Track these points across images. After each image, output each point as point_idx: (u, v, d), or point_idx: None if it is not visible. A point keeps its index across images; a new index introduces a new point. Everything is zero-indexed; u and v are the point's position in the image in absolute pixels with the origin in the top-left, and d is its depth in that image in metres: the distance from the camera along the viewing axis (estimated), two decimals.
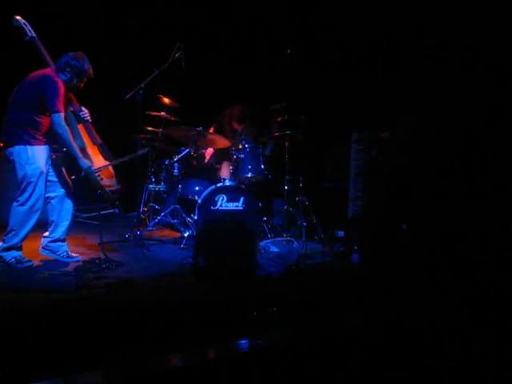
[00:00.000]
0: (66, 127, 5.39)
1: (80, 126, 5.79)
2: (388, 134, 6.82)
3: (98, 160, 5.84)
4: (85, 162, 5.56)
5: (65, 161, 5.79)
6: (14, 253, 5.36)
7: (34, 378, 3.14)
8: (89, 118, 5.90)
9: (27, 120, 5.33)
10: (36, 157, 5.35)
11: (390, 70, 7.44)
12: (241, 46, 8.66)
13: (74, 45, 5.64)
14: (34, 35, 5.61)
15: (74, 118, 5.75)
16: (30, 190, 5.33)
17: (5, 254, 5.35)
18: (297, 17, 8.24)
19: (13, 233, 5.37)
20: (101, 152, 5.90)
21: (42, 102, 5.32)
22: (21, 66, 5.60)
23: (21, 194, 5.36)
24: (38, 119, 5.37)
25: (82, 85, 5.63)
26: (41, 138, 5.41)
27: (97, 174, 5.69)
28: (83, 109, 5.88)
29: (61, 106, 5.33)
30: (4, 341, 3.49)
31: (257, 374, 3.52)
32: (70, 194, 5.67)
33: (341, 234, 6.49)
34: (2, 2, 6.82)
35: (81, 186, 6.06)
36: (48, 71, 5.49)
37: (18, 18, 5.61)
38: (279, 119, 7.15)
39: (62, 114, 5.36)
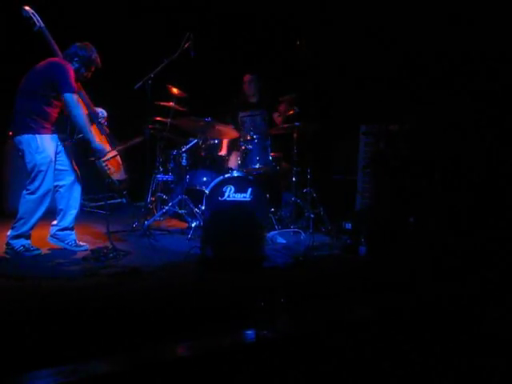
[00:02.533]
0: (81, 107, 5.42)
1: (86, 114, 5.79)
2: (396, 126, 6.80)
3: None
4: (99, 144, 5.59)
5: (74, 149, 5.80)
6: (23, 241, 5.39)
7: (42, 366, 3.16)
8: (105, 114, 5.94)
9: (36, 109, 5.34)
10: (45, 145, 5.36)
11: (399, 62, 7.41)
12: (251, 36, 8.63)
13: (82, 35, 5.66)
14: (43, 25, 5.61)
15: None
16: (40, 178, 5.35)
17: (14, 242, 5.37)
18: (307, 7, 8.21)
19: (22, 221, 5.39)
20: (108, 142, 5.91)
21: (51, 89, 5.33)
22: (30, 56, 5.60)
23: (31, 183, 5.38)
24: (47, 108, 5.38)
25: (89, 74, 5.67)
26: (49, 126, 5.42)
27: (104, 164, 5.70)
28: (100, 109, 5.91)
29: (73, 86, 5.36)
30: (12, 328, 3.51)
31: (263, 365, 3.53)
32: (78, 182, 5.69)
33: (348, 226, 6.48)
34: None
35: (89, 175, 6.08)
36: (56, 59, 5.51)
37: (26, 8, 5.60)
38: (291, 112, 7.14)
39: (75, 95, 5.38)
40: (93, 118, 5.78)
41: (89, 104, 5.78)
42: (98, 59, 5.62)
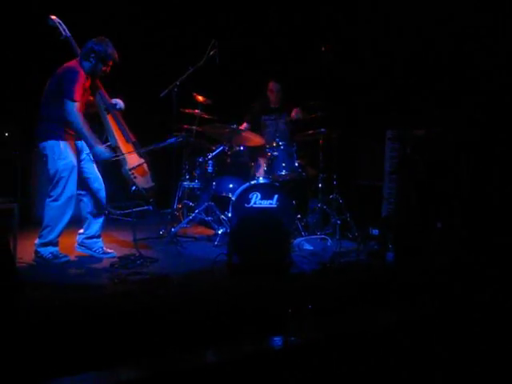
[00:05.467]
0: (79, 116, 5.36)
1: (112, 123, 5.82)
2: (422, 131, 6.75)
3: (132, 158, 5.87)
4: (99, 148, 5.51)
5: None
6: (51, 248, 5.43)
7: (71, 371, 3.18)
8: (122, 105, 5.95)
9: (59, 115, 5.35)
10: (68, 151, 5.40)
11: (425, 66, 7.37)
12: (275, 42, 8.63)
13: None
14: (69, 35, 5.66)
15: (104, 109, 5.80)
16: (62, 184, 5.37)
17: (42, 250, 5.41)
18: (332, 13, 8.20)
19: (48, 228, 5.43)
20: (134, 150, 5.93)
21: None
22: (56, 65, 5.66)
23: (53, 189, 5.41)
24: None
25: (108, 69, 5.63)
26: (73, 132, 5.45)
27: (131, 172, 5.73)
28: (117, 100, 5.94)
29: (76, 95, 5.31)
30: (41, 335, 3.53)
31: (290, 371, 3.52)
32: (102, 190, 5.72)
33: (375, 232, 6.44)
34: (38, 2, 6.92)
35: (115, 182, 6.13)
36: (72, 63, 5.53)
37: (52, 17, 5.66)
38: (313, 116, 7.13)
39: (76, 104, 5.33)
40: (108, 107, 5.83)
41: (106, 98, 5.82)
42: (115, 53, 5.58)
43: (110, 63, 5.61)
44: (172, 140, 6.13)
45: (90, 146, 5.55)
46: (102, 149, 5.53)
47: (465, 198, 6.36)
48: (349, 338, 4.00)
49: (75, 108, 5.33)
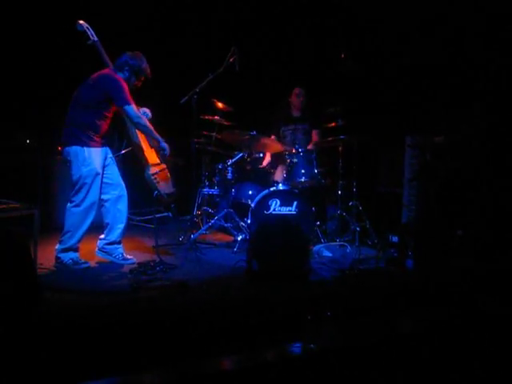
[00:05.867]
0: (141, 115, 5.56)
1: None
2: (442, 138, 6.72)
3: (155, 163, 5.92)
4: (165, 143, 5.78)
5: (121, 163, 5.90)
6: (72, 254, 5.47)
7: (93, 376, 3.19)
8: (149, 114, 6.03)
9: (86, 121, 5.44)
10: (92, 158, 5.45)
11: (445, 72, 7.33)
12: (295, 50, 8.64)
13: (130, 49, 5.72)
14: (97, 39, 5.73)
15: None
16: (84, 191, 5.43)
17: (62, 255, 5.45)
18: (350, 20, 8.20)
19: (69, 234, 5.47)
20: (158, 155, 5.97)
21: (104, 102, 5.44)
22: (82, 68, 5.72)
23: (75, 195, 5.47)
24: (97, 121, 5.47)
25: (139, 83, 5.73)
26: (98, 139, 5.51)
27: (154, 177, 5.77)
28: (144, 109, 6.00)
29: (129, 98, 5.45)
30: (62, 340, 3.55)
31: (310, 378, 3.51)
32: (124, 196, 5.75)
33: (395, 239, 6.40)
34: (64, 7, 7.00)
35: (136, 189, 6.16)
36: (106, 71, 5.61)
37: (81, 22, 5.73)
38: (333, 124, 7.14)
39: (134, 106, 5.47)
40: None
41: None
42: (148, 69, 5.69)
43: (143, 78, 5.70)
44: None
45: (158, 141, 5.76)
46: (166, 144, 5.80)
47: (485, 204, 6.32)
48: (368, 346, 3.98)
49: (135, 110, 5.50)
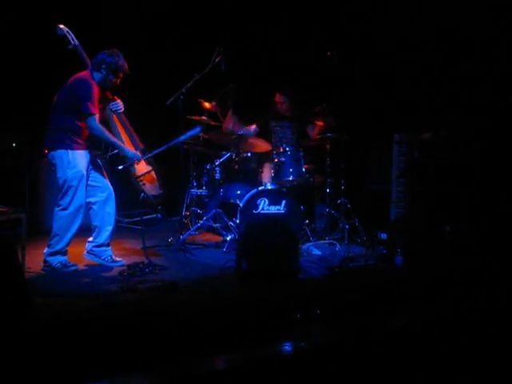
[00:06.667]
0: (101, 127, 5.50)
1: (120, 128, 5.86)
2: (429, 134, 6.74)
3: (140, 165, 5.89)
4: (129, 150, 5.73)
5: (108, 165, 5.88)
6: (60, 257, 5.45)
7: (82, 381, 3.18)
8: (122, 108, 5.96)
9: (68, 125, 5.43)
10: (77, 161, 5.44)
11: (431, 68, 7.36)
12: (281, 48, 8.63)
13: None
14: (78, 43, 5.69)
15: (112, 115, 5.86)
16: (70, 193, 5.42)
17: (50, 259, 5.44)
18: (336, 17, 8.21)
19: (57, 238, 5.46)
20: (143, 156, 5.95)
21: (78, 105, 5.41)
22: (65, 73, 5.69)
23: (62, 198, 5.46)
24: (79, 123, 5.46)
25: (118, 81, 5.69)
26: (82, 142, 5.50)
27: (139, 180, 5.75)
28: (117, 101, 5.95)
29: (93, 108, 5.40)
30: (51, 344, 3.54)
31: (300, 377, 3.51)
32: (111, 198, 5.73)
33: (384, 236, 6.42)
34: (45, 11, 6.96)
35: (123, 190, 6.14)
36: (83, 74, 5.58)
37: (61, 26, 5.70)
38: (320, 122, 7.15)
39: (96, 116, 5.43)
40: (112, 108, 5.89)
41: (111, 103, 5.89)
42: (126, 65, 5.64)
43: (121, 75, 5.66)
44: (192, 132, 5.96)
45: (121, 150, 5.71)
46: (133, 151, 5.75)
47: (473, 200, 6.34)
48: (357, 343, 3.98)
49: (96, 121, 5.45)
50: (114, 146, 5.72)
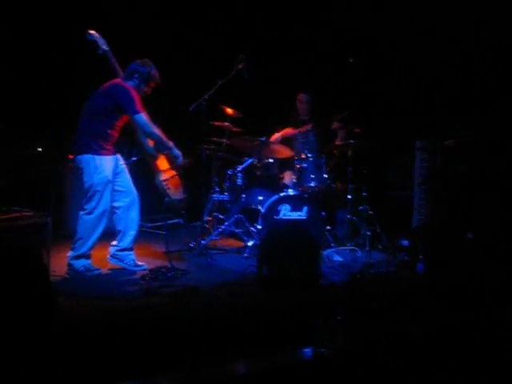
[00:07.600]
0: (152, 125, 5.58)
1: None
2: (452, 141, 6.72)
3: (165, 169, 5.96)
4: (177, 150, 5.82)
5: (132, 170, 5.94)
6: (83, 261, 5.50)
7: (105, 382, 3.22)
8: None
9: (97, 130, 5.49)
10: (104, 166, 5.49)
11: (455, 76, 7.34)
12: (303, 55, 8.66)
13: (140, 57, 5.76)
14: (107, 48, 5.76)
15: None
16: (96, 198, 5.47)
17: (74, 262, 5.49)
18: (358, 24, 8.21)
19: (81, 241, 5.51)
20: (168, 162, 6.01)
21: (115, 111, 5.48)
22: (94, 78, 5.77)
23: (87, 203, 5.51)
24: (108, 130, 5.52)
25: (149, 90, 5.77)
26: (110, 148, 5.56)
27: (164, 183, 5.81)
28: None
29: (139, 107, 5.49)
30: (74, 346, 3.58)
31: (320, 383, 3.52)
32: (135, 203, 5.78)
33: (405, 243, 6.40)
34: (76, 17, 7.05)
35: (146, 195, 6.19)
36: (117, 80, 5.66)
37: (91, 32, 5.76)
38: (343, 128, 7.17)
39: (144, 114, 5.51)
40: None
41: None
42: (157, 75, 5.74)
43: (152, 84, 5.75)
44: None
45: (170, 149, 5.81)
46: (179, 152, 5.84)
47: (495, 207, 6.31)
48: (378, 350, 3.99)
49: (145, 118, 5.53)
50: (163, 143, 5.76)
